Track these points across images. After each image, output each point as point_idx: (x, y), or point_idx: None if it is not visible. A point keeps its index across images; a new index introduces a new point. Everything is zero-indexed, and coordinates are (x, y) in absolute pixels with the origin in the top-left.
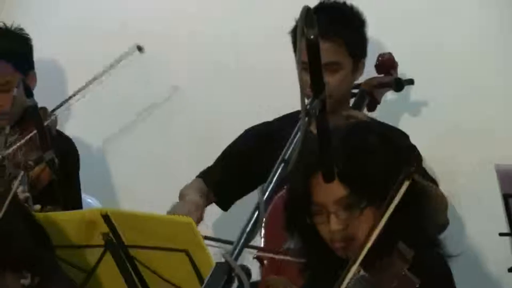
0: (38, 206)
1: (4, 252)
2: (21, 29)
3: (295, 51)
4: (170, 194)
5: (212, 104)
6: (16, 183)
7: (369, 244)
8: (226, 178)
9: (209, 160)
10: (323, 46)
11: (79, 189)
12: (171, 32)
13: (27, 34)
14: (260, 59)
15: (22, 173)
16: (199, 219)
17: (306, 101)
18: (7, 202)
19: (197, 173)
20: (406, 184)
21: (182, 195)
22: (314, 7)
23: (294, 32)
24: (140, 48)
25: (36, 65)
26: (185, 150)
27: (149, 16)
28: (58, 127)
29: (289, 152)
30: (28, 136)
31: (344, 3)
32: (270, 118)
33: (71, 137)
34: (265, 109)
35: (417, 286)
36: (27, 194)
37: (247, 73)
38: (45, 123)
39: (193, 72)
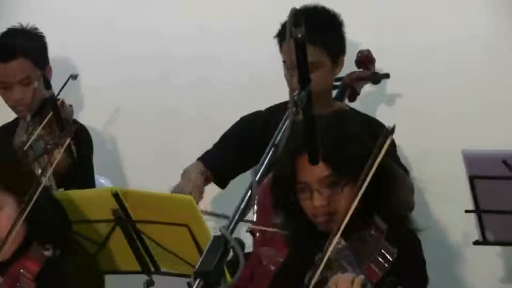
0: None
1: (35, 226)
2: (36, 28)
3: (281, 51)
4: (174, 175)
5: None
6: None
7: (348, 216)
8: (223, 160)
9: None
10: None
11: (93, 171)
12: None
13: (41, 32)
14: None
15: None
16: (200, 197)
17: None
18: (39, 189)
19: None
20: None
21: (184, 175)
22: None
23: (279, 35)
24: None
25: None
26: (189, 137)
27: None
28: (74, 117)
29: (278, 137)
30: (46, 120)
31: (323, 8)
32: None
33: (85, 125)
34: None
35: (395, 255)
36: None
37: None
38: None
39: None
